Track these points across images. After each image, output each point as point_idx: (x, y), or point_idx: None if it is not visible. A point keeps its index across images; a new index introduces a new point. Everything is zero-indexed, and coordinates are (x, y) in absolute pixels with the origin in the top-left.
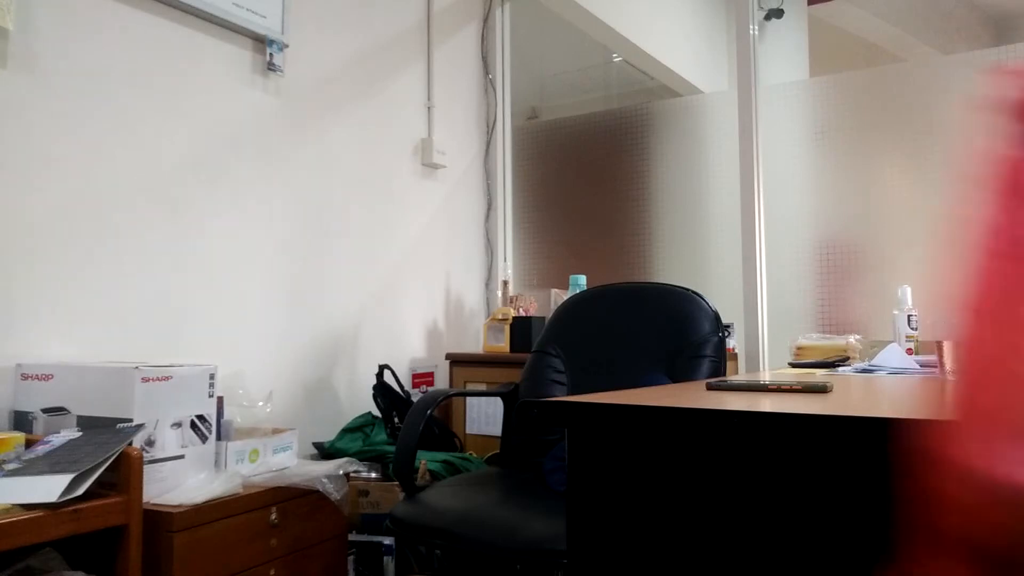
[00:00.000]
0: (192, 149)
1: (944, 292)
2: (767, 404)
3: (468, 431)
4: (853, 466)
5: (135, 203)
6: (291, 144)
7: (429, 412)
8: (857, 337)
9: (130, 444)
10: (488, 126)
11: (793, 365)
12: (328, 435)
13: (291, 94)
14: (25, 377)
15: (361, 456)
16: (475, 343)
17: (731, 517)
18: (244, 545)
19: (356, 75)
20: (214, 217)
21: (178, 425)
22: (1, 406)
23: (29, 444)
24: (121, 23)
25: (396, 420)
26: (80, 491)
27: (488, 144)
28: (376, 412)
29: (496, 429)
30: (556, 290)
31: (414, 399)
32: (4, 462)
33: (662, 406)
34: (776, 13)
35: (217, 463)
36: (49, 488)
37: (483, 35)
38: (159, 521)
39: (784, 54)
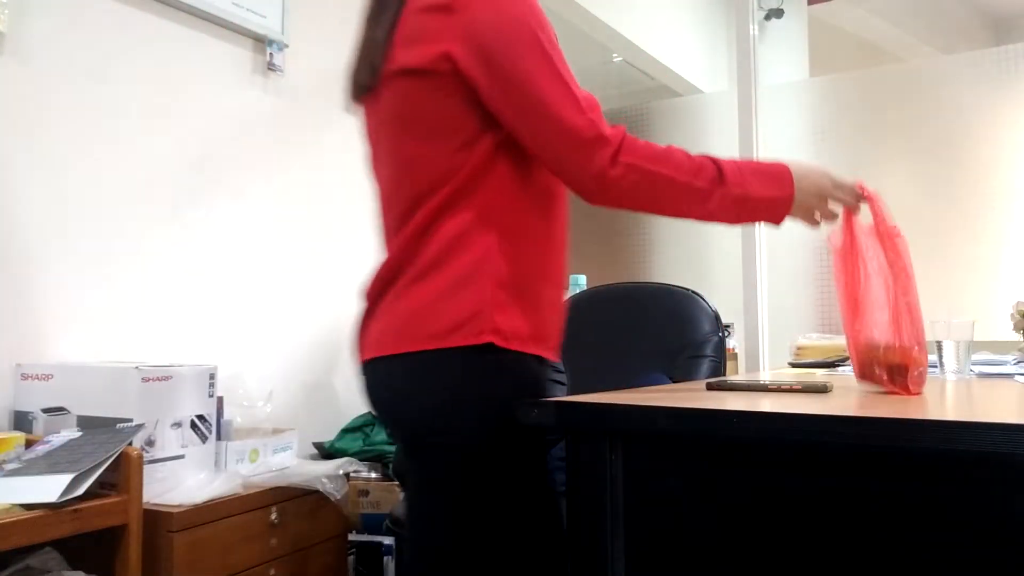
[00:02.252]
0: (192, 149)
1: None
2: (767, 404)
3: None
4: (853, 466)
5: (135, 203)
6: (291, 144)
7: None
8: None
9: (130, 444)
10: None
11: (793, 365)
12: (328, 435)
13: (291, 94)
14: (25, 377)
15: (361, 456)
16: None
17: (730, 517)
18: (244, 545)
19: None
20: (214, 217)
21: (178, 425)
22: (1, 406)
23: (29, 444)
24: (121, 23)
25: None
26: (80, 491)
27: None
28: None
29: None
30: None
31: None
32: (4, 462)
33: (662, 406)
34: (776, 13)
35: (217, 463)
36: (49, 488)
37: None
38: (159, 521)
39: (784, 54)
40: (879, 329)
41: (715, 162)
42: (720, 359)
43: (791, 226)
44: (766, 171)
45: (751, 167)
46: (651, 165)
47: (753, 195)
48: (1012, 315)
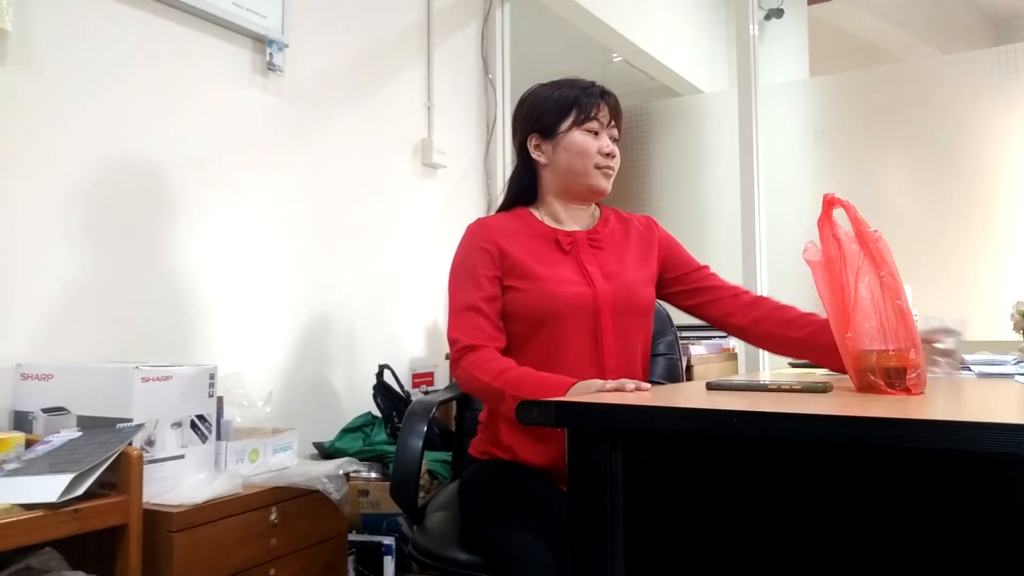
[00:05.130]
0: (192, 149)
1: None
2: (767, 404)
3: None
4: (853, 466)
5: (135, 203)
6: (291, 144)
7: (425, 430)
8: None
9: (130, 444)
10: (488, 126)
11: (793, 365)
12: (328, 435)
13: (291, 94)
14: (25, 377)
15: (361, 456)
16: None
17: (730, 517)
18: (244, 545)
19: (356, 75)
20: (214, 217)
21: (178, 425)
22: (1, 406)
23: (29, 444)
24: (121, 23)
25: (396, 420)
26: (80, 491)
27: (488, 144)
28: (376, 412)
29: None
30: None
31: (414, 398)
32: (4, 462)
33: (662, 406)
34: (776, 13)
35: (217, 463)
36: (49, 488)
37: (483, 35)
38: (159, 521)
39: (784, 54)
40: (872, 336)
41: (500, 389)
42: (676, 355)
43: (791, 226)
44: (545, 383)
45: (531, 381)
46: (474, 375)
47: (529, 392)
48: (1012, 315)
